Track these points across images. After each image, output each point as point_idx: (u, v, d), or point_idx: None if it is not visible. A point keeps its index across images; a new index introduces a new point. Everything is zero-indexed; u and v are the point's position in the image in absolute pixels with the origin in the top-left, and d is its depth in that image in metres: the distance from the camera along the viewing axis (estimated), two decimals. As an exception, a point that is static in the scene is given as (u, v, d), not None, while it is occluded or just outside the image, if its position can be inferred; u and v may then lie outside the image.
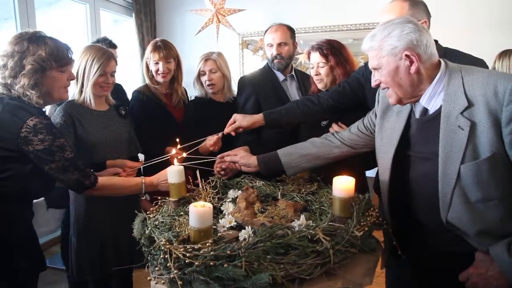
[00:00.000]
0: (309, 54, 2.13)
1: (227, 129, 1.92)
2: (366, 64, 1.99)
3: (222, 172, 1.78)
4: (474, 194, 1.21)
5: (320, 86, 2.11)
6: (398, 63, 1.25)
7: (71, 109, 1.92)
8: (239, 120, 1.91)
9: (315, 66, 2.07)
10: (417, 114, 1.36)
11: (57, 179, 1.57)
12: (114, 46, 3.22)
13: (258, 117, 1.93)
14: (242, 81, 2.46)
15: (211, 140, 2.02)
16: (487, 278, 1.21)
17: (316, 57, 2.06)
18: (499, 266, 1.19)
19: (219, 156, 1.77)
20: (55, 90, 1.58)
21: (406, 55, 1.22)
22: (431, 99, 1.29)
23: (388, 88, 1.32)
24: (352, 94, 1.94)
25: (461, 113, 1.19)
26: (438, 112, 1.27)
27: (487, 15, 3.96)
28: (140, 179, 1.75)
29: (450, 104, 1.22)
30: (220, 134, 2.00)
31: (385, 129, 1.46)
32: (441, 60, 1.29)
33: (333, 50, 2.04)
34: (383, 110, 1.48)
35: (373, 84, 1.36)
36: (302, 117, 1.95)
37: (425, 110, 1.33)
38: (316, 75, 2.07)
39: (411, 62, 1.23)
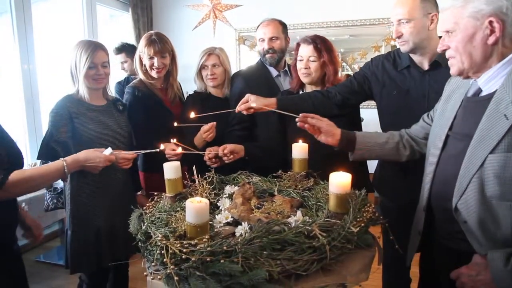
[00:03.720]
0: (298, 45, 2.09)
1: (239, 107, 1.90)
2: (372, 59, 2.03)
3: (214, 160, 1.85)
4: (491, 188, 1.15)
5: (306, 80, 2.07)
6: (477, 29, 1.15)
7: (69, 104, 1.91)
8: (252, 99, 1.89)
9: (304, 59, 2.03)
10: (470, 93, 1.29)
11: None
12: None
13: (272, 100, 1.93)
14: (235, 77, 2.43)
15: (205, 127, 2.03)
16: (476, 281, 1.17)
17: (308, 50, 2.02)
18: (492, 272, 1.13)
19: (302, 114, 1.63)
20: None
21: (490, 22, 1.13)
22: (490, 81, 1.21)
23: (454, 57, 1.23)
24: (359, 88, 1.97)
25: None
26: (490, 96, 1.19)
27: None
28: (60, 161, 1.57)
29: (505, 90, 1.14)
30: (214, 123, 2.02)
31: (446, 112, 1.38)
32: None
33: (327, 47, 2.03)
34: (448, 95, 1.41)
35: (439, 49, 1.28)
36: (312, 109, 1.94)
37: (479, 91, 1.26)
38: (306, 68, 2.03)
39: (492, 31, 1.14)
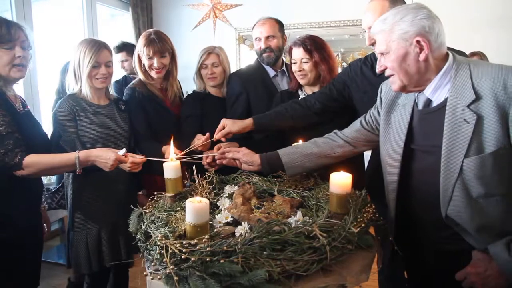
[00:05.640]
0: (291, 49, 2.10)
1: (216, 136, 1.86)
2: (350, 64, 2.00)
3: (212, 164, 1.78)
4: (476, 189, 1.19)
5: (303, 81, 2.08)
6: (407, 49, 1.23)
7: (73, 102, 1.91)
8: (228, 125, 1.86)
9: (298, 61, 2.04)
10: (420, 105, 1.34)
11: None
12: None
13: (248, 122, 1.91)
14: (232, 78, 2.38)
15: (199, 140, 1.92)
16: (486, 278, 1.18)
17: (299, 52, 2.03)
18: (499, 265, 1.16)
19: (219, 151, 1.72)
20: (0, 67, 1.60)
21: (417, 41, 1.20)
22: (436, 91, 1.27)
23: (393, 75, 1.29)
24: (338, 95, 1.94)
25: (468, 106, 1.17)
26: (442, 105, 1.25)
27: (488, 11, 3.96)
28: (74, 153, 1.65)
29: (456, 97, 1.20)
30: (208, 135, 1.90)
31: (392, 124, 1.42)
32: (449, 52, 1.27)
33: (317, 46, 2.03)
34: (388, 105, 1.46)
35: (378, 69, 1.35)
36: (291, 121, 1.94)
37: (428, 102, 1.31)
38: (300, 70, 2.04)
39: (421, 49, 1.21)
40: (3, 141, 1.54)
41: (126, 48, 3.49)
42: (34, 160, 1.59)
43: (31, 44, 1.69)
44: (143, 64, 2.22)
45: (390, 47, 1.25)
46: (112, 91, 2.13)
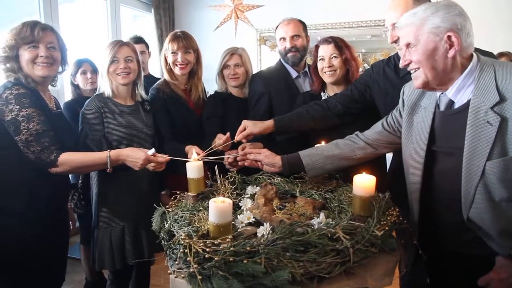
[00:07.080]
0: (316, 47, 2.09)
1: (237, 137, 1.87)
2: (372, 66, 1.98)
3: (233, 163, 1.79)
4: (498, 193, 1.17)
5: (330, 79, 2.05)
6: (437, 44, 1.21)
7: (100, 102, 1.96)
8: (249, 127, 1.87)
9: (326, 58, 2.02)
10: (442, 107, 1.32)
11: (25, 154, 1.60)
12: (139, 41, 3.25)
13: (269, 123, 1.91)
14: (254, 79, 2.38)
15: (220, 140, 1.93)
16: (509, 284, 1.17)
17: (329, 48, 2.02)
18: None
19: (241, 153, 1.74)
20: (23, 65, 1.67)
21: (448, 37, 1.19)
22: (459, 92, 1.25)
23: (418, 69, 1.27)
24: (360, 97, 1.92)
25: (492, 108, 1.15)
26: (465, 106, 1.23)
27: (497, 11, 3.88)
28: (106, 152, 1.71)
29: (480, 98, 1.18)
30: (228, 135, 1.92)
31: (415, 126, 1.41)
32: (473, 53, 1.25)
33: (346, 44, 2.04)
34: (410, 107, 1.44)
35: (402, 64, 1.33)
36: (312, 123, 1.94)
37: (450, 103, 1.29)
38: (329, 66, 2.02)
39: (451, 46, 1.19)
40: (39, 138, 1.60)
41: (143, 41, 3.52)
42: (68, 158, 1.65)
43: (63, 46, 1.80)
44: (169, 64, 2.26)
45: (419, 40, 1.23)
46: (142, 92, 2.15)
